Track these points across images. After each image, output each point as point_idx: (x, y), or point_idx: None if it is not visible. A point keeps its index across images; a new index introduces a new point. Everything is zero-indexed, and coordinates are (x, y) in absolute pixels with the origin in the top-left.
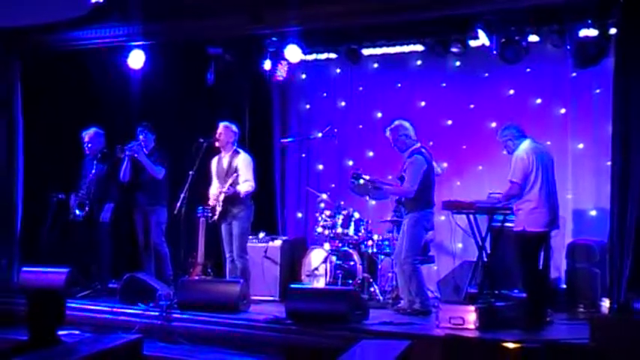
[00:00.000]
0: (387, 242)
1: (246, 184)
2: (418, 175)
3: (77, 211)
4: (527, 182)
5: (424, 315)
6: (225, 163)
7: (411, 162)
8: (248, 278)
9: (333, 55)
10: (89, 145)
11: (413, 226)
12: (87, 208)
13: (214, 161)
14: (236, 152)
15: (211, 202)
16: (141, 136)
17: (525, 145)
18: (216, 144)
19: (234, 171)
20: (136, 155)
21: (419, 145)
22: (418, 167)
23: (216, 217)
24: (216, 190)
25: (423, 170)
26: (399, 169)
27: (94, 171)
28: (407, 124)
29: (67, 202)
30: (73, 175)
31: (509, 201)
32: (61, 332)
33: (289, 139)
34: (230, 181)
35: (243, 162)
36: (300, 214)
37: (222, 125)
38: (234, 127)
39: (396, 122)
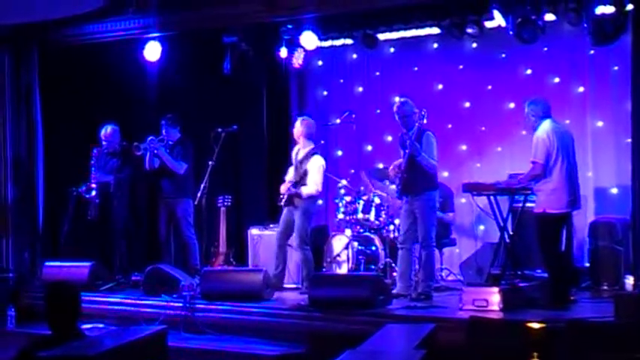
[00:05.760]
0: None
1: (312, 186)
2: (435, 150)
3: (87, 195)
4: (549, 162)
5: (427, 299)
6: (300, 155)
7: (428, 137)
8: (310, 268)
9: (349, 41)
10: (105, 143)
11: (430, 207)
12: (94, 191)
13: (295, 149)
14: (312, 153)
15: (282, 189)
16: (163, 130)
17: (546, 125)
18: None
19: (304, 172)
20: (155, 151)
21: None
22: (435, 144)
23: (282, 202)
24: (289, 179)
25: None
26: (405, 148)
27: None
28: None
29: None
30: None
31: (531, 182)
32: (85, 326)
33: None
34: (294, 181)
35: (314, 165)
36: (320, 201)
37: (301, 120)
38: (305, 121)
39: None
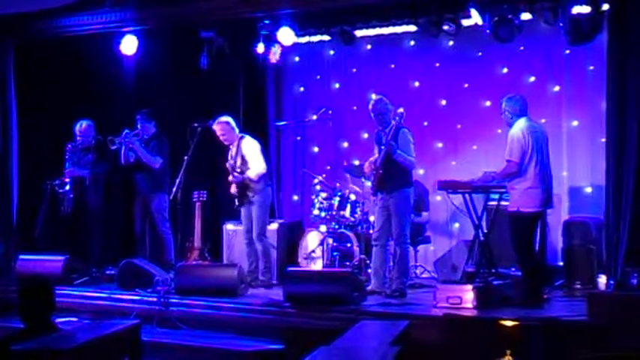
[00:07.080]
0: None
1: (256, 167)
2: (412, 147)
3: (61, 190)
4: (523, 161)
5: (401, 296)
6: (233, 152)
7: (404, 134)
8: (269, 260)
9: (326, 37)
10: (79, 139)
11: (404, 204)
12: (67, 186)
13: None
14: (240, 139)
15: (232, 190)
16: (138, 125)
17: (521, 123)
18: (226, 143)
19: (242, 158)
20: (131, 145)
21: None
22: (412, 140)
23: (236, 204)
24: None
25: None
26: (380, 144)
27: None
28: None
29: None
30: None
31: (505, 179)
32: (58, 319)
33: (284, 122)
34: (238, 169)
35: (249, 147)
36: (296, 197)
37: (217, 125)
38: (225, 119)
39: (377, 96)
